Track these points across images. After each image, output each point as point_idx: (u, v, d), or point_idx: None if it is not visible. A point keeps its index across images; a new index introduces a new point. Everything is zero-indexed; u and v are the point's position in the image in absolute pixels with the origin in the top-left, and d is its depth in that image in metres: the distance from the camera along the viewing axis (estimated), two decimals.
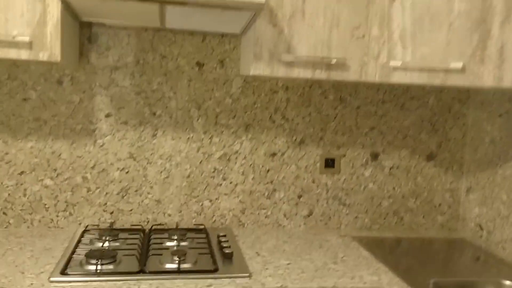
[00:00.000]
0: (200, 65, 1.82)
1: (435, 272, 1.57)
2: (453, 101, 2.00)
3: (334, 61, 1.51)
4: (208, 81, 1.83)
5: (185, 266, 1.46)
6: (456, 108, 2.01)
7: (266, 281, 1.42)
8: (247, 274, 1.44)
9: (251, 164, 1.89)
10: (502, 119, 1.82)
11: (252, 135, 1.88)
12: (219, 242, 1.68)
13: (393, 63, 1.51)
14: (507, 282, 1.53)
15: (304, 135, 1.92)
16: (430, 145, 2.01)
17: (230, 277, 1.43)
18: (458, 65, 1.39)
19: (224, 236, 1.73)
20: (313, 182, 1.95)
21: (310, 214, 1.96)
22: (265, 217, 1.93)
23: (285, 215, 1.95)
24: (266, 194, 1.92)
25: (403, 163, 2.00)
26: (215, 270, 1.44)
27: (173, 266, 1.46)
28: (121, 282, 1.36)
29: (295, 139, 1.91)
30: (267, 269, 1.51)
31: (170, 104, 1.82)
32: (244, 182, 1.90)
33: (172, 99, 1.82)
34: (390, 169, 1.99)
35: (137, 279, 1.37)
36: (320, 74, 1.53)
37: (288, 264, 1.57)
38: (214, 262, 1.50)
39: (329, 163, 1.94)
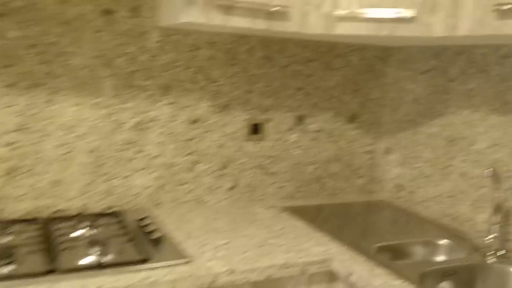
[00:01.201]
0: (108, 13, 1.49)
1: (357, 236, 1.51)
2: (375, 59, 1.94)
3: (275, 8, 1.32)
4: (119, 33, 1.52)
5: (108, 258, 1.19)
6: (378, 67, 1.95)
7: (211, 266, 1.22)
8: (186, 260, 1.22)
9: (170, 133, 1.64)
10: (426, 76, 1.79)
11: (172, 98, 1.62)
12: (141, 226, 1.43)
13: (337, 13, 1.37)
14: (441, 242, 1.53)
15: (229, 98, 1.71)
16: (352, 106, 1.93)
17: (168, 266, 1.20)
18: (408, 14, 1.29)
19: (145, 219, 1.48)
20: (238, 151, 1.76)
21: (234, 186, 1.78)
22: (187, 192, 1.70)
23: (208, 189, 1.74)
24: (188, 167, 1.69)
25: (327, 126, 1.90)
26: (145, 260, 1.20)
27: (93, 260, 1.18)
28: (30, 287, 1.05)
29: (220, 103, 1.70)
30: (205, 252, 1.31)
31: (72, 61, 1.47)
32: (162, 154, 1.64)
33: (75, 55, 1.47)
34: (315, 132, 1.88)
35: (50, 281, 1.08)
36: (260, 24, 1.34)
37: (226, 243, 1.38)
38: (142, 250, 1.26)
39: (255, 129, 1.77)
